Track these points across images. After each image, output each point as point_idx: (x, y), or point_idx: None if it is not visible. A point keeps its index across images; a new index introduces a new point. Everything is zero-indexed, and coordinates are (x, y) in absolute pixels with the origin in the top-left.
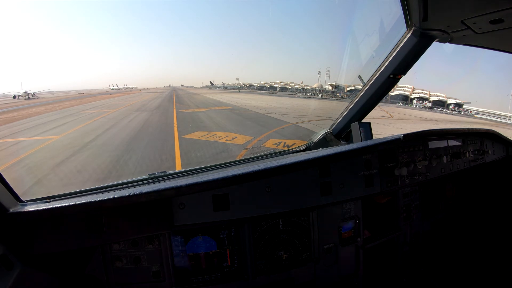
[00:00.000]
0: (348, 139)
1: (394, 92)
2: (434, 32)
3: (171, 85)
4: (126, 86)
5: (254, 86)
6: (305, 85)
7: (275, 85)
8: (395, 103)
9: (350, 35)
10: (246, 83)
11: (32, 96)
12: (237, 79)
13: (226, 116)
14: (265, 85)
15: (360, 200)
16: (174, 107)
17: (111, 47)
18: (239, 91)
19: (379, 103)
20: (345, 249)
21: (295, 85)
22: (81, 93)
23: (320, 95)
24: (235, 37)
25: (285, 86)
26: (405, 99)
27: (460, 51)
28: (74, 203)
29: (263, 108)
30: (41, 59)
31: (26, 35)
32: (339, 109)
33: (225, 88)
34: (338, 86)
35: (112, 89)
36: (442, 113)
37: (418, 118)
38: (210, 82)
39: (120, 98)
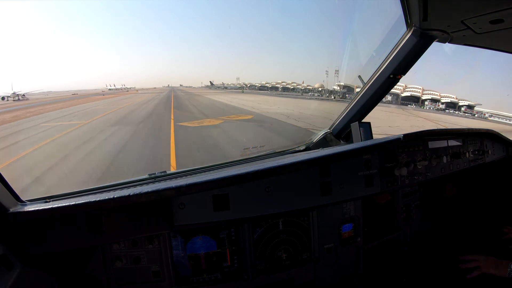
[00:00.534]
0: (348, 139)
1: (405, 93)
2: (434, 32)
3: (169, 85)
4: (124, 86)
5: (255, 86)
6: (307, 85)
7: (276, 85)
8: (407, 105)
9: (350, 35)
10: (247, 83)
11: (22, 97)
12: (238, 79)
13: (265, 139)
14: (266, 85)
15: (360, 200)
16: (172, 117)
17: (111, 47)
18: (242, 92)
19: (393, 106)
20: (345, 249)
21: (297, 85)
22: (75, 94)
23: (332, 97)
24: (234, 37)
25: (287, 86)
26: (416, 101)
27: (460, 51)
28: (74, 203)
29: (295, 116)
30: (43, 59)
31: (26, 35)
32: (381, 117)
33: (226, 88)
34: (348, 86)
35: (109, 89)
36: (457, 116)
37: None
38: (210, 82)
39: (111, 100)
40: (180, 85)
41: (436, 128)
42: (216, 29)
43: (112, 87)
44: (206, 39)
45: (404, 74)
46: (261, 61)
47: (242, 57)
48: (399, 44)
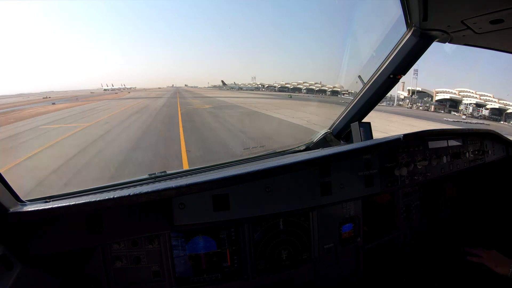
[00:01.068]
0: (348, 139)
1: (492, 105)
2: (434, 32)
3: (174, 85)
4: (123, 86)
5: (274, 87)
6: (333, 86)
7: (298, 86)
8: (498, 121)
9: (350, 35)
10: (265, 83)
11: None
12: (254, 78)
13: None
14: (286, 85)
15: (360, 200)
16: None
17: (115, 48)
18: (290, 97)
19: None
20: (345, 249)
21: (321, 86)
22: (46, 98)
23: (429, 106)
24: (243, 35)
25: (311, 87)
26: (499, 114)
27: (460, 51)
28: (74, 203)
29: None
30: (40, 59)
31: (30, 36)
32: None
33: (241, 88)
34: (423, 91)
35: (105, 89)
36: None
37: None
38: (222, 81)
39: (66, 111)
40: (185, 85)
41: None
42: (224, 27)
43: (107, 87)
44: (214, 38)
45: (404, 74)
46: (269, 61)
47: (251, 56)
48: (399, 44)
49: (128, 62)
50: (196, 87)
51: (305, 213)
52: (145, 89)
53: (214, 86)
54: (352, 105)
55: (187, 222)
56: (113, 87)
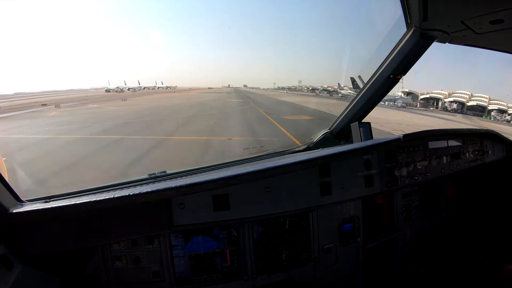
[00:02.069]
0: (348, 139)
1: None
2: (434, 32)
3: (230, 85)
4: (156, 85)
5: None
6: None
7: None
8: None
9: (350, 35)
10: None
11: None
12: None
13: None
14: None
15: (360, 200)
16: None
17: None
18: None
19: None
20: (345, 249)
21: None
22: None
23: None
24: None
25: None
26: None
27: (460, 51)
28: (74, 203)
29: None
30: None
31: (34, 35)
32: None
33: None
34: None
35: (107, 90)
36: None
37: None
38: (352, 79)
39: None
40: (244, 85)
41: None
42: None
43: (125, 85)
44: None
45: (404, 74)
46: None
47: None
48: (399, 44)
49: (182, 61)
50: (258, 88)
51: (305, 213)
52: (191, 88)
53: (283, 88)
54: (352, 105)
55: (187, 222)
56: (124, 86)
